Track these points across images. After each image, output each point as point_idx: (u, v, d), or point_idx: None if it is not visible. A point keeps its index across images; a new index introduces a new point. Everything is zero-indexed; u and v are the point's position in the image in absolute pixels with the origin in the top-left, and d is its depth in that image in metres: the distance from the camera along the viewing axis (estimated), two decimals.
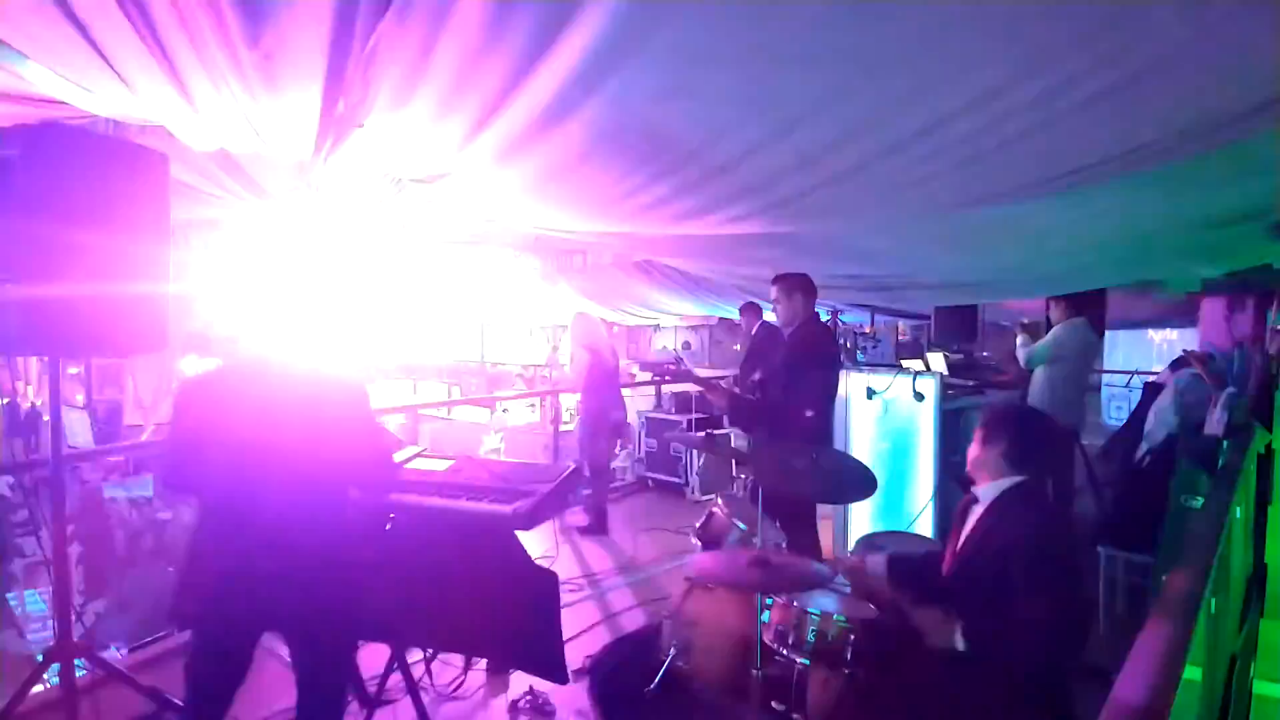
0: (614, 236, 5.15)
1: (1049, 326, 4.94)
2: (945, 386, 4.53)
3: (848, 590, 2.64)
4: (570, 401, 11.51)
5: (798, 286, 3.67)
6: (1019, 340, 4.90)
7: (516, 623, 2.50)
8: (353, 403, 2.19)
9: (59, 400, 2.59)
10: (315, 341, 2.23)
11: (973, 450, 2.42)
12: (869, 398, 4.60)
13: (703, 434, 3.40)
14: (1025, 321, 5.25)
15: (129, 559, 6.01)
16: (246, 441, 2.05)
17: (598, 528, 5.62)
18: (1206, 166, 2.57)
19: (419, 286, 9.40)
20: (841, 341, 6.35)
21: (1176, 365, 4.90)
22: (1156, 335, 9.21)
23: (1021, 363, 4.75)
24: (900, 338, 8.87)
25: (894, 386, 4.49)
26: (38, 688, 2.59)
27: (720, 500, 3.27)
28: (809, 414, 3.58)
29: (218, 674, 2.15)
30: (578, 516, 5.64)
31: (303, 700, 2.20)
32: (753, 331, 6.36)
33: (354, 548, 2.25)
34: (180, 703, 2.69)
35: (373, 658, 2.87)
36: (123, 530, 6.59)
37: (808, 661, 2.36)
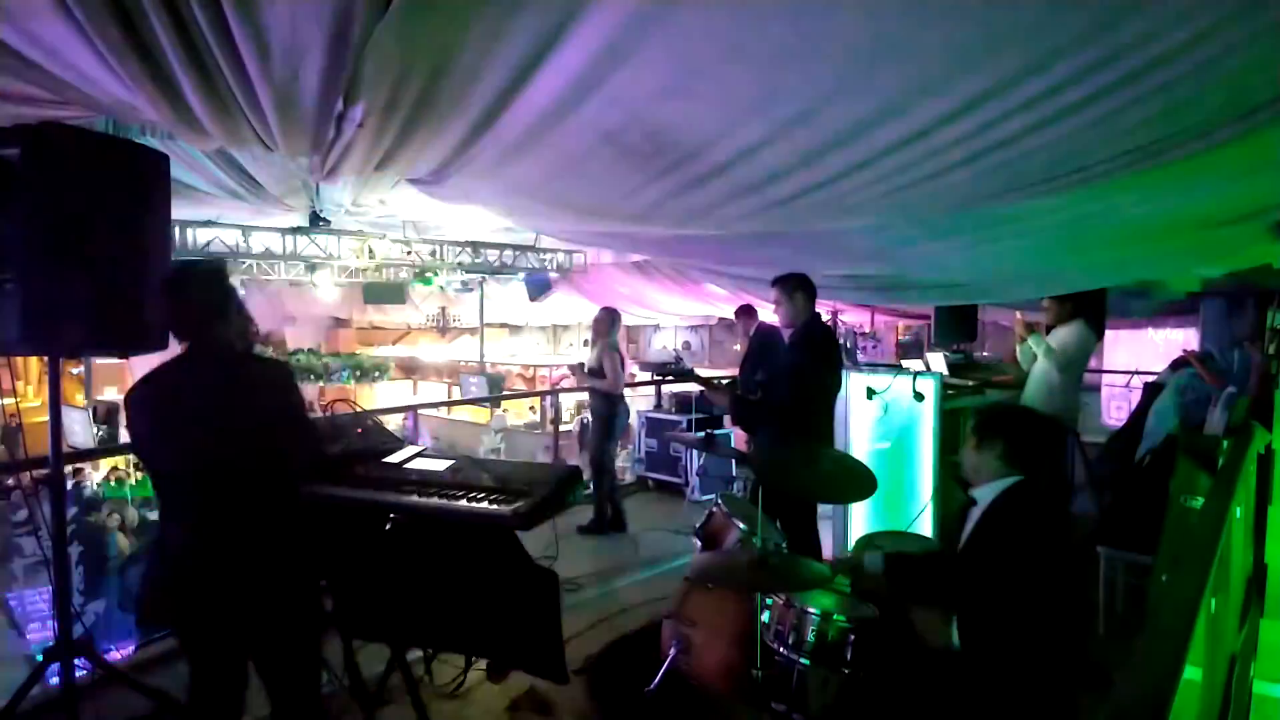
0: (614, 236, 5.16)
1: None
2: (945, 386, 4.52)
3: (848, 590, 2.64)
4: (570, 401, 11.57)
5: (798, 287, 3.67)
6: (1032, 341, 4.82)
7: (516, 622, 2.50)
8: (277, 388, 2.16)
9: (59, 400, 2.59)
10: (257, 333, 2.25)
11: (968, 452, 2.42)
12: (869, 398, 4.60)
13: (703, 434, 3.40)
14: (1028, 320, 5.18)
15: (129, 559, 6.01)
16: (183, 437, 2.04)
17: (616, 524, 5.62)
18: (1206, 166, 2.57)
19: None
20: (841, 341, 6.35)
21: (1176, 365, 4.90)
22: (1156, 335, 9.20)
23: (1056, 369, 4.70)
24: (900, 338, 8.87)
25: (894, 386, 4.49)
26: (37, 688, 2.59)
27: (720, 500, 3.27)
28: (810, 414, 3.58)
29: (208, 680, 2.14)
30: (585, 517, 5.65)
31: (275, 705, 2.16)
32: (750, 333, 6.37)
33: (303, 542, 2.19)
34: (178, 701, 2.69)
35: (373, 658, 2.87)
36: (123, 530, 6.60)
37: (808, 661, 2.36)
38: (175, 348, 2.16)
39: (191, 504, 2.09)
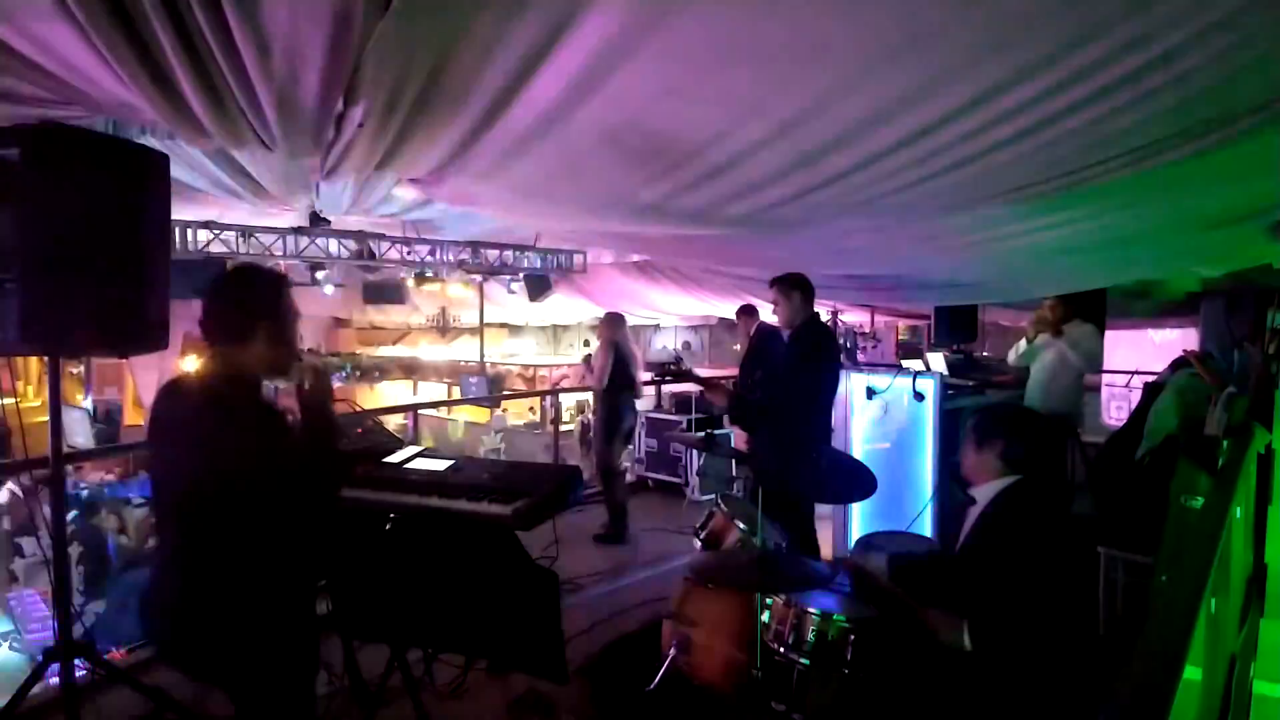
0: (614, 236, 5.16)
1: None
2: (945, 386, 4.53)
3: (848, 590, 2.64)
4: (570, 401, 11.56)
5: (797, 287, 3.67)
6: (1065, 344, 4.79)
7: (516, 622, 2.50)
8: (251, 439, 1.82)
9: (59, 400, 2.59)
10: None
11: (967, 453, 2.42)
12: (869, 398, 4.60)
13: (703, 434, 3.40)
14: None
15: (129, 559, 6.02)
16: (159, 457, 1.95)
17: (617, 535, 5.47)
18: (1206, 166, 2.57)
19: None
20: (841, 341, 6.35)
21: (1176, 365, 4.90)
22: (1156, 335, 9.19)
23: (1089, 369, 4.74)
24: (900, 338, 8.88)
25: (894, 386, 4.50)
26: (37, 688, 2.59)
27: (720, 500, 3.27)
28: (810, 413, 3.58)
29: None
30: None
31: None
32: (750, 333, 6.37)
33: (281, 583, 1.91)
34: (178, 701, 2.69)
35: (373, 658, 2.87)
36: (123, 530, 6.61)
37: (808, 661, 2.36)
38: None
39: (162, 529, 2.01)
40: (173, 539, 1.94)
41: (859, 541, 3.50)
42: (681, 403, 7.48)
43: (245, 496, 1.80)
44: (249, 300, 1.89)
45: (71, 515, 5.64)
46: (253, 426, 1.83)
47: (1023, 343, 5.02)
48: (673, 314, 12.23)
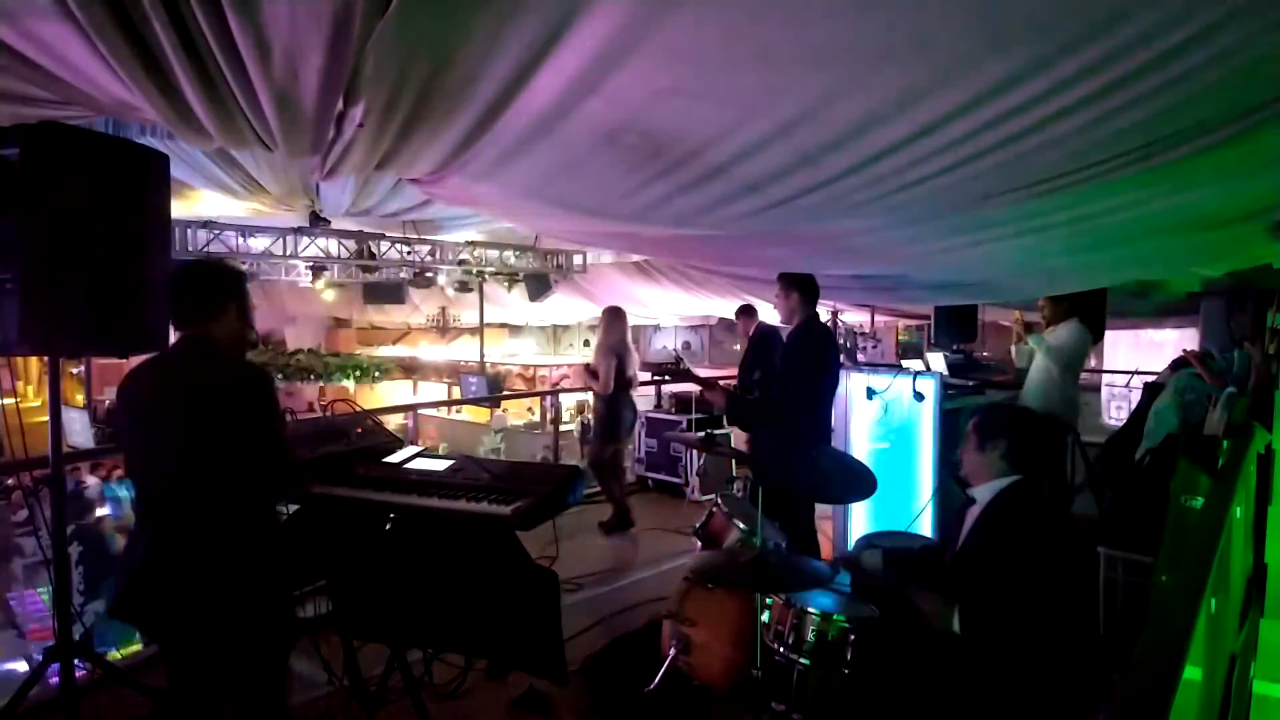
0: (614, 236, 5.16)
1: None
2: (945, 386, 4.52)
3: (848, 590, 2.64)
4: (570, 401, 11.57)
5: (797, 287, 3.67)
6: (1033, 342, 4.79)
7: (516, 622, 2.51)
8: (246, 394, 2.02)
9: (59, 400, 2.59)
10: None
11: (968, 453, 2.42)
12: (869, 398, 4.60)
13: (703, 434, 3.40)
14: (1027, 320, 5.13)
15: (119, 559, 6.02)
16: (145, 434, 2.04)
17: (621, 524, 5.60)
18: (1206, 166, 2.57)
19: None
20: (841, 341, 6.36)
21: (1176, 365, 4.90)
22: (1156, 335, 9.20)
23: (1057, 367, 4.72)
24: (900, 338, 8.89)
25: (894, 386, 4.49)
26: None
27: (720, 500, 3.27)
28: (808, 413, 3.58)
29: (175, 680, 2.11)
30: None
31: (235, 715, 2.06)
32: (750, 333, 6.37)
33: (264, 555, 2.05)
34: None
35: (373, 658, 2.87)
36: (122, 530, 6.60)
37: (808, 661, 2.36)
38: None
39: (150, 504, 2.06)
40: (172, 510, 2.00)
41: (859, 542, 3.50)
42: (681, 403, 7.48)
43: (261, 442, 2.00)
44: (220, 284, 2.12)
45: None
46: (260, 376, 2.12)
47: (1013, 347, 5.05)
48: (673, 314, 12.23)
